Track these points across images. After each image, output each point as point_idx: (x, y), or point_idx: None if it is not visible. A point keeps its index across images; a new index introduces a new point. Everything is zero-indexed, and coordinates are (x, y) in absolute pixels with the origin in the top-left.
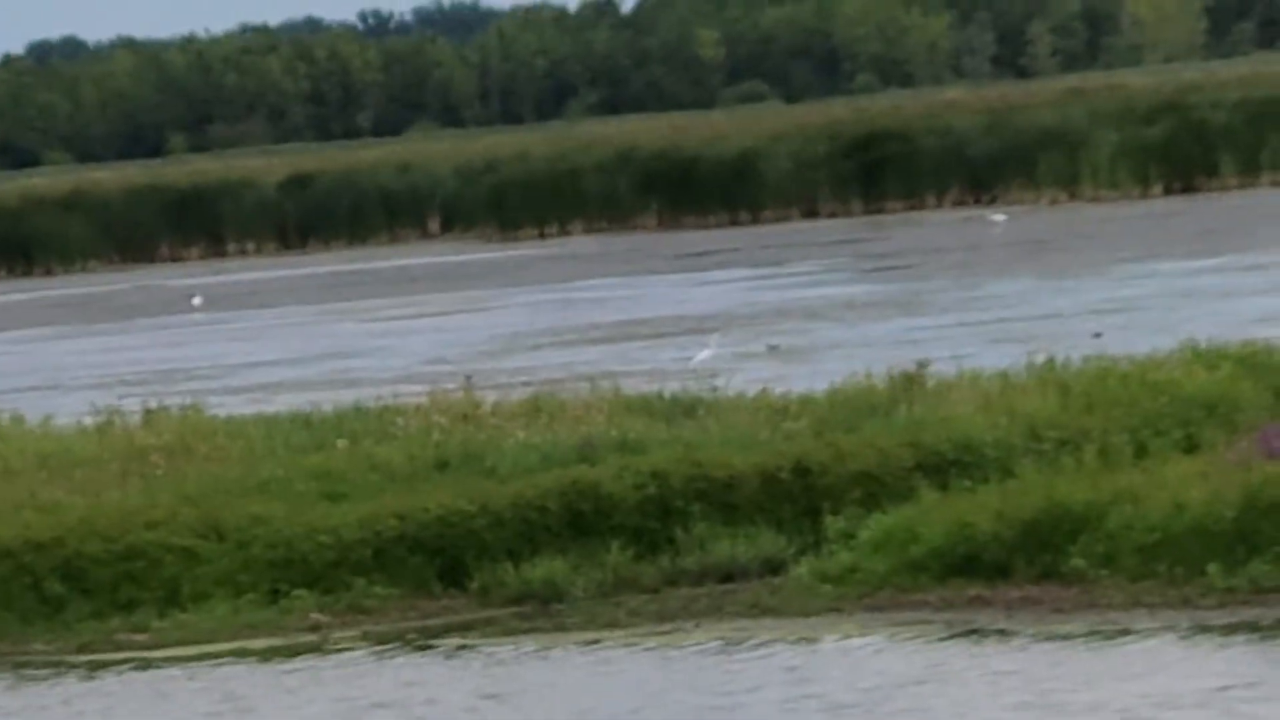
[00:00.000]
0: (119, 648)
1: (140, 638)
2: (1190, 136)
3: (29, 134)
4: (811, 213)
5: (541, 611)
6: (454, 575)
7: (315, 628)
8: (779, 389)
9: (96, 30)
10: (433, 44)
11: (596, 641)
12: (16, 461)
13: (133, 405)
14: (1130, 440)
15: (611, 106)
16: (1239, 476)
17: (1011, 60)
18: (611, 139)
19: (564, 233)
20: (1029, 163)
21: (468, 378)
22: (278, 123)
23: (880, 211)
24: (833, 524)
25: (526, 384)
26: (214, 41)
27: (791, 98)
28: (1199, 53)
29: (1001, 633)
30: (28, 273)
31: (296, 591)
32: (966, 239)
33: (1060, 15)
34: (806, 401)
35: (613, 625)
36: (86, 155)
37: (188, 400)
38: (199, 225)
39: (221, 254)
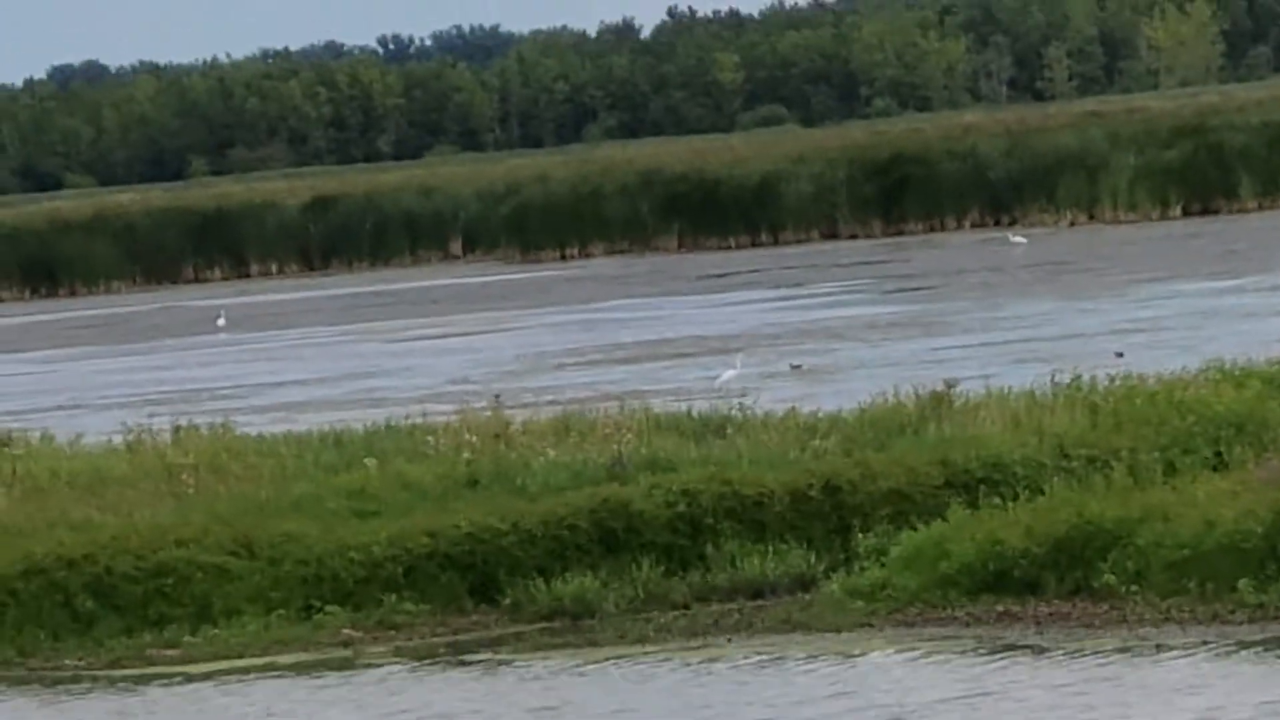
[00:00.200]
0: (150, 663)
1: (171, 653)
2: (1209, 159)
3: (51, 158)
4: (832, 234)
5: (572, 627)
6: (485, 591)
7: (347, 643)
8: (805, 408)
9: (118, 55)
10: (452, 69)
11: (627, 656)
12: (47, 480)
13: (161, 424)
14: (1159, 458)
15: (631, 130)
16: (1269, 494)
17: (1029, 84)
18: (633, 162)
19: (585, 254)
20: (1049, 185)
21: (497, 397)
22: (299, 147)
23: (900, 233)
24: (864, 540)
25: (553, 403)
26: (235, 66)
27: (809, 122)
28: (1215, 76)
29: (1035, 649)
30: (53, 294)
31: (329, 608)
32: (987, 260)
33: (1077, 39)
34: (835, 420)
35: (643, 640)
36: (108, 179)
37: (214, 420)
38: (222, 247)
39: (245, 275)
